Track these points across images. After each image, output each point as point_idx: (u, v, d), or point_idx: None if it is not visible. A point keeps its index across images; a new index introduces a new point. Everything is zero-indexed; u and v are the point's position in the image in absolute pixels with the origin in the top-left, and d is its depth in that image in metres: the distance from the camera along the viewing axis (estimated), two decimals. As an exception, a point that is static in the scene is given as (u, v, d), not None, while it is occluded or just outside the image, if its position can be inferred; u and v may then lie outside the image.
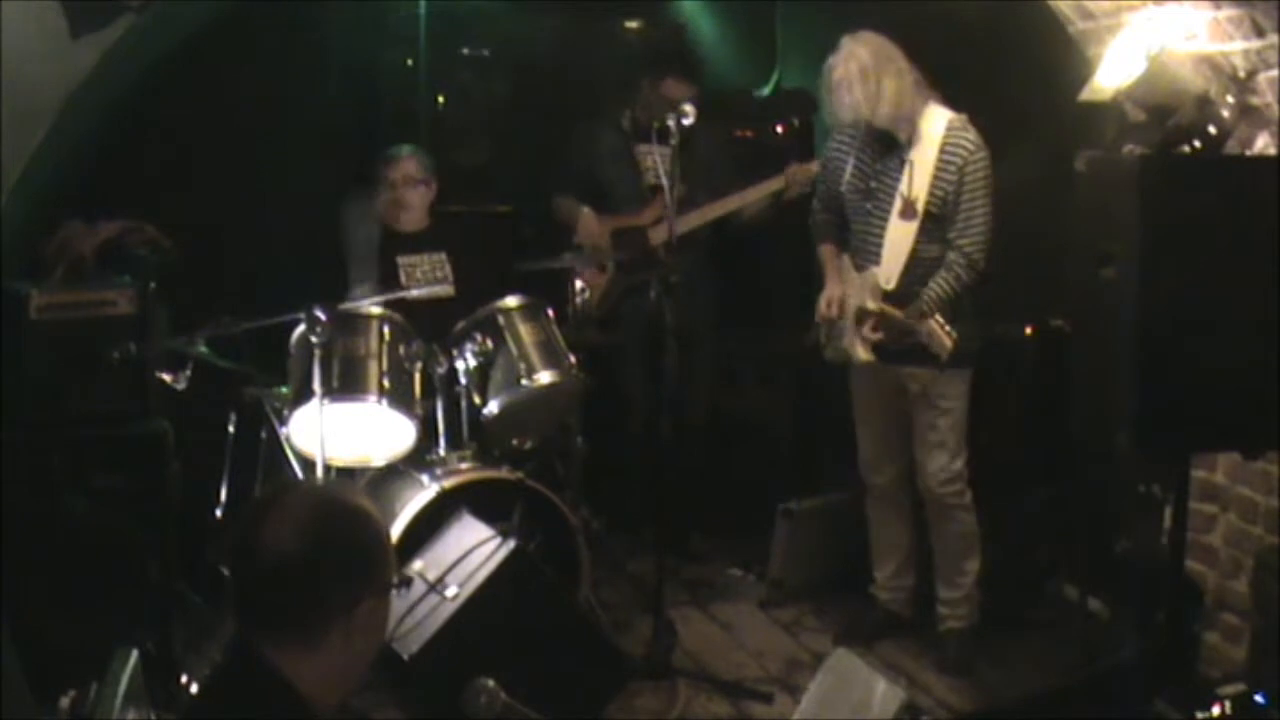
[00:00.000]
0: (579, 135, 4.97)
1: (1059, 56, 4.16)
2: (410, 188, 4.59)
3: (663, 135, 4.97)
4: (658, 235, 4.87)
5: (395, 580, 2.04)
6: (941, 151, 3.91)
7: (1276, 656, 3.42)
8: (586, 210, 5.03)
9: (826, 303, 4.14)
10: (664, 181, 4.95)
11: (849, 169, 4.12)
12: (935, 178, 3.91)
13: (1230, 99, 3.43)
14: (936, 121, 3.94)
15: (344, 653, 1.95)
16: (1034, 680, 4.11)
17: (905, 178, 3.95)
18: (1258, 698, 3.09)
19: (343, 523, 1.97)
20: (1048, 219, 3.85)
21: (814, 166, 4.54)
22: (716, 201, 4.92)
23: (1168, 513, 3.60)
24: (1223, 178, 3.14)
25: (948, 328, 3.82)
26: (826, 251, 4.25)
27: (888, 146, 4.00)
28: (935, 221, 3.95)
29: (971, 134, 3.93)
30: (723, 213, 4.95)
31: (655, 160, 5.01)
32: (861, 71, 3.86)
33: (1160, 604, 3.68)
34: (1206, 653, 3.84)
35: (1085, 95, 3.82)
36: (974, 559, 4.19)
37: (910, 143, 3.95)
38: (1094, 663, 4.05)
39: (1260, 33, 3.35)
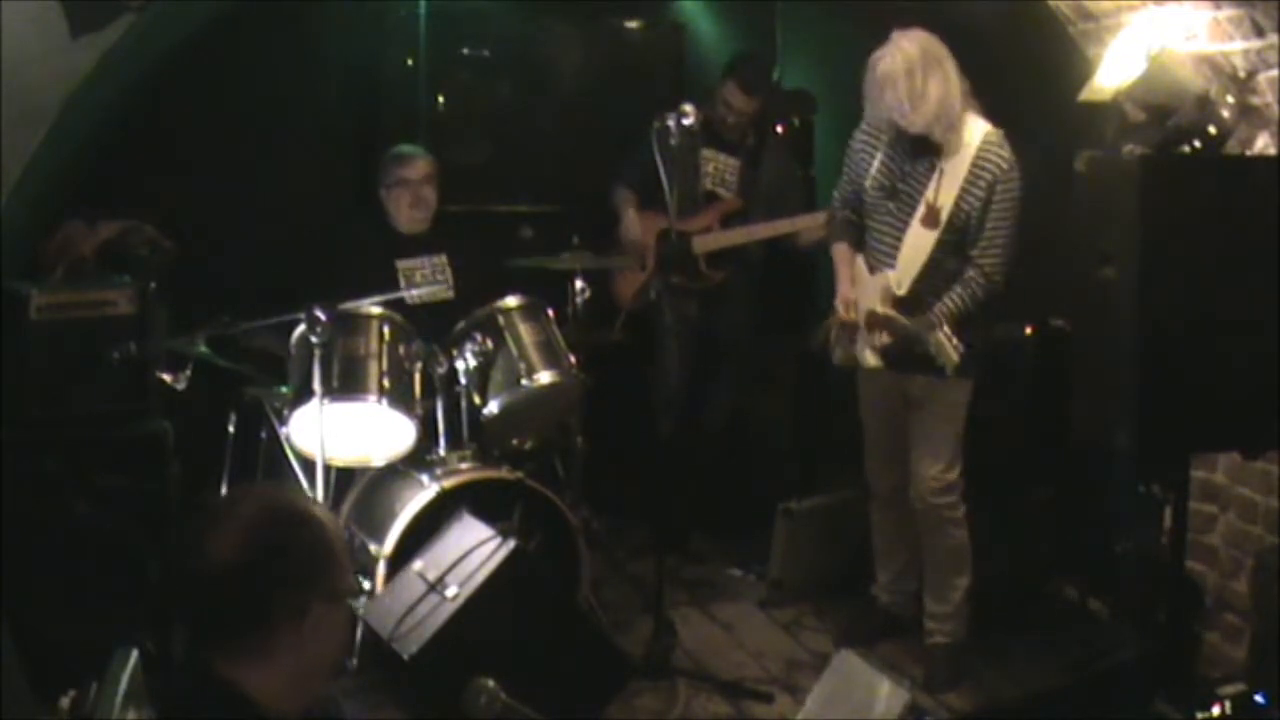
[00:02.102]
0: (651, 129, 4.97)
1: (1059, 56, 4.16)
2: (430, 186, 4.61)
3: (729, 144, 5.01)
4: (702, 244, 4.88)
5: (349, 589, 2.00)
6: (974, 164, 3.82)
7: (1276, 656, 3.42)
8: (631, 211, 5.07)
9: (843, 305, 4.07)
10: (721, 190, 5.02)
11: (875, 165, 4.02)
12: (964, 190, 3.83)
13: (1230, 99, 3.43)
14: (974, 133, 3.85)
15: (296, 661, 1.91)
16: (1034, 680, 4.10)
17: (934, 185, 3.87)
18: (1258, 698, 3.10)
19: (286, 528, 1.93)
20: (1048, 219, 3.85)
21: None
22: (765, 223, 4.93)
23: (1168, 513, 3.60)
24: (1223, 178, 3.15)
25: (955, 341, 3.74)
26: (841, 252, 4.16)
27: (919, 149, 3.90)
28: (956, 233, 3.87)
29: (1007, 151, 3.84)
30: (768, 235, 4.96)
31: (716, 166, 5.03)
32: (908, 70, 3.74)
33: (1160, 604, 3.69)
34: (1206, 653, 3.84)
35: (1085, 95, 3.81)
36: (964, 575, 4.12)
37: (944, 150, 3.86)
38: (1094, 663, 4.05)
39: (1260, 33, 3.35)
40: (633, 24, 5.99)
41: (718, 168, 5.07)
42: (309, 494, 3.84)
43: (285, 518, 1.95)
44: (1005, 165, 3.83)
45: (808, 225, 4.89)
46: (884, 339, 3.93)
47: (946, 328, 3.78)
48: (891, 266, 3.97)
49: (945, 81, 3.79)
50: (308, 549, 1.94)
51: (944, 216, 3.87)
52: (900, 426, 4.13)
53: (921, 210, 3.90)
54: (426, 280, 4.57)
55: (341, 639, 2.06)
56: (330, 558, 1.96)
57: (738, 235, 4.97)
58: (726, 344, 5.20)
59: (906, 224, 3.94)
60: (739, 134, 5.05)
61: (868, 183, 4.05)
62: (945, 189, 3.86)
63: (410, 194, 4.59)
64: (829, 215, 4.34)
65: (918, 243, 3.92)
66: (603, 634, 4.00)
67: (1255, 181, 3.12)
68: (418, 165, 4.61)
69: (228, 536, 1.89)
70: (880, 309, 3.92)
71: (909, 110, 3.79)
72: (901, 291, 3.94)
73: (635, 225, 5.05)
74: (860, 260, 4.12)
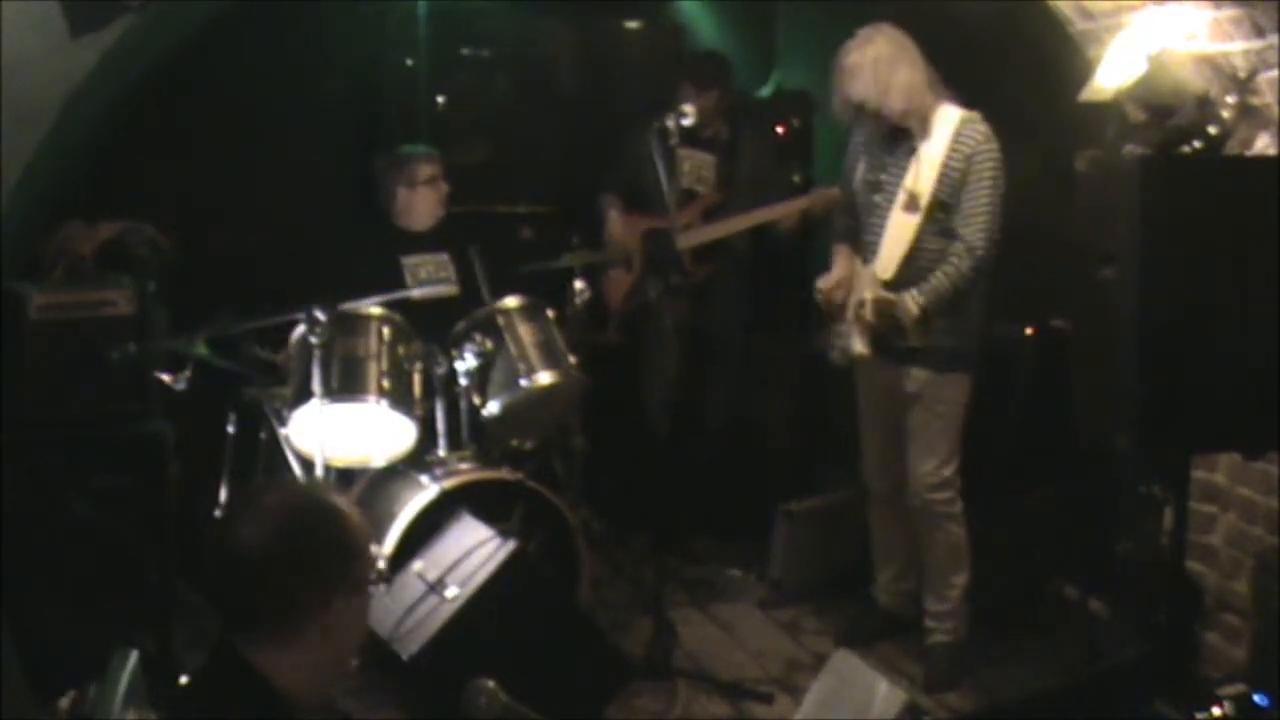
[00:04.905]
0: (631, 133, 4.99)
1: (1059, 56, 4.16)
2: (432, 187, 4.62)
3: (705, 142, 5.01)
4: (686, 239, 4.89)
5: (373, 579, 2.05)
6: (951, 145, 3.87)
7: (1276, 656, 3.42)
8: (614, 213, 5.10)
9: (824, 282, 4.11)
10: (699, 188, 5.02)
11: (861, 166, 4.11)
12: (943, 169, 3.87)
13: (1230, 99, 3.43)
14: (948, 119, 3.91)
15: (320, 650, 1.97)
16: (1034, 680, 4.11)
17: (912, 172, 3.92)
18: (1258, 698, 3.09)
19: (313, 521, 1.98)
20: (1048, 219, 3.85)
21: (836, 191, 4.49)
22: (743, 214, 4.94)
23: (1168, 513, 3.61)
24: (1223, 178, 3.14)
25: (920, 298, 3.82)
26: (840, 250, 4.22)
27: (896, 139, 3.97)
28: (943, 211, 3.91)
29: (983, 127, 3.90)
30: (747, 226, 4.96)
31: (692, 164, 5.03)
32: (874, 60, 3.84)
33: (1160, 604, 3.68)
34: (1206, 653, 3.84)
35: (1085, 95, 3.81)
36: (962, 572, 4.13)
37: (919, 137, 3.92)
38: (1094, 663, 4.05)
39: (1260, 33, 3.35)
40: (633, 24, 5.98)
41: (694, 165, 5.07)
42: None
43: (314, 510, 2.00)
44: (981, 138, 3.88)
45: (785, 212, 4.89)
46: (869, 316, 3.94)
47: (915, 290, 3.85)
48: (877, 255, 4.01)
49: (911, 70, 3.88)
50: (335, 542, 1.99)
51: (924, 202, 3.91)
52: (897, 424, 4.14)
53: (902, 197, 3.95)
54: (431, 277, 4.57)
55: (363, 630, 2.11)
56: (355, 551, 2.02)
57: (719, 229, 4.97)
58: (719, 341, 5.20)
59: (889, 212, 3.99)
60: (711, 130, 5.05)
61: (856, 184, 4.13)
62: (924, 175, 3.91)
63: (409, 194, 4.61)
64: (834, 219, 4.36)
65: (899, 229, 3.96)
66: (603, 634, 4.00)
67: (1255, 181, 3.11)
68: (422, 168, 4.64)
69: (258, 527, 1.95)
70: (868, 294, 3.95)
71: (875, 99, 3.86)
72: (886, 276, 3.97)
73: (619, 228, 5.08)
74: (859, 260, 4.15)
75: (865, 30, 3.92)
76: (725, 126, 5.10)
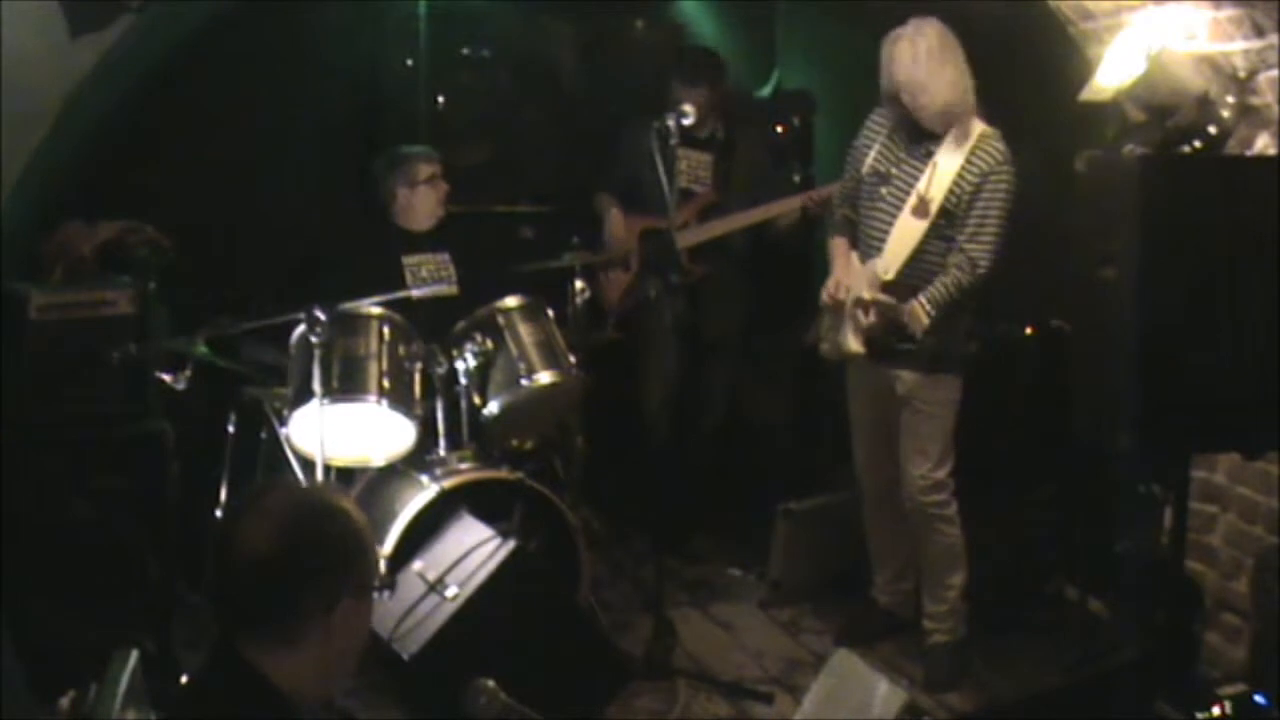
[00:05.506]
0: (627, 132, 4.99)
1: (1059, 56, 4.16)
2: (431, 187, 4.63)
3: (701, 140, 5.02)
4: (683, 239, 4.90)
5: (377, 581, 2.05)
6: (968, 158, 3.85)
7: (1276, 656, 3.42)
8: (614, 211, 5.09)
9: (832, 287, 4.09)
10: (695, 187, 5.02)
11: (874, 152, 4.05)
12: (956, 181, 3.85)
13: (1230, 99, 3.43)
14: (972, 131, 3.88)
15: (324, 651, 1.96)
16: (1034, 680, 4.10)
17: (927, 176, 3.90)
18: (1258, 698, 3.10)
19: (319, 522, 1.97)
20: (1048, 219, 3.85)
21: (834, 188, 4.49)
22: (740, 213, 4.95)
23: (1168, 513, 3.61)
24: (1223, 178, 3.14)
25: (928, 307, 3.80)
26: (837, 244, 4.19)
27: (917, 138, 3.94)
28: (948, 218, 3.89)
29: (1002, 146, 3.87)
30: (743, 224, 4.97)
31: (689, 163, 5.04)
32: (916, 53, 3.79)
33: (1160, 604, 3.69)
34: (1206, 653, 3.84)
35: (1085, 95, 3.82)
36: (958, 573, 4.12)
37: (942, 142, 3.89)
38: (1094, 663, 4.05)
39: (1260, 33, 3.35)
40: (632, 24, 5.99)
41: (690, 165, 5.06)
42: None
43: (317, 511, 2.00)
44: (1000, 157, 3.86)
45: (782, 210, 4.90)
46: (868, 319, 3.93)
47: (923, 298, 3.82)
48: (879, 255, 3.99)
49: (955, 71, 3.83)
50: (338, 542, 1.98)
51: (934, 209, 3.88)
52: (888, 423, 4.12)
53: (913, 200, 3.92)
54: (432, 277, 4.58)
55: (366, 632, 2.10)
56: (359, 551, 2.01)
57: (716, 228, 4.98)
58: (718, 340, 5.20)
59: (898, 212, 3.96)
60: (708, 129, 5.05)
61: (864, 169, 4.08)
62: (938, 182, 3.88)
63: (410, 195, 4.62)
64: (831, 209, 4.34)
65: (906, 232, 3.94)
66: (603, 634, 4.00)
67: (1255, 181, 3.11)
68: (423, 167, 4.64)
69: (261, 528, 1.94)
70: (867, 294, 3.93)
71: (916, 89, 3.81)
72: (888, 276, 3.95)
73: (619, 226, 5.07)
74: (855, 254, 4.13)
75: (917, 20, 3.85)
76: (721, 125, 5.10)
